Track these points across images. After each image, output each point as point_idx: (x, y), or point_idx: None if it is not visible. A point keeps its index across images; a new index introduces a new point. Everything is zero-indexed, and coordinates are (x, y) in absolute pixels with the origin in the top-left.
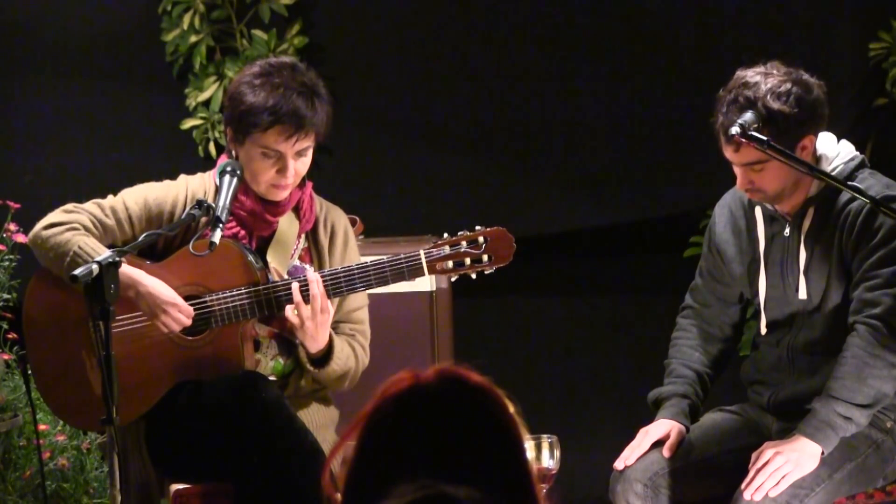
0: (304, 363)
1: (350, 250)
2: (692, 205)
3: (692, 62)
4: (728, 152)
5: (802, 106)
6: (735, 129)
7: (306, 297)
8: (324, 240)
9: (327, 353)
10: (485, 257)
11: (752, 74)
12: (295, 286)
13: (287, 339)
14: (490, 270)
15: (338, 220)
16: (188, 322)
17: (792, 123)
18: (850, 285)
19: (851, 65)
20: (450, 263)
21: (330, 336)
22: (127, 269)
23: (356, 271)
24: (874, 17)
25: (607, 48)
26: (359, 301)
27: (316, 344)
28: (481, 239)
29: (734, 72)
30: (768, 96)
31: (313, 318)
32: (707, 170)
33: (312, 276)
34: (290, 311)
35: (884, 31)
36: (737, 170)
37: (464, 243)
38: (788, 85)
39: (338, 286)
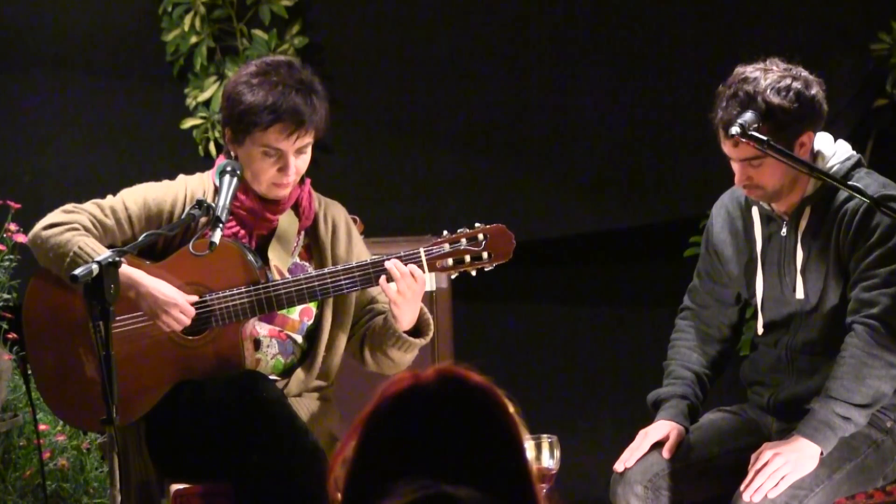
0: (401, 335)
1: (355, 242)
2: (692, 211)
3: (692, 66)
4: (727, 147)
5: (802, 102)
6: (735, 129)
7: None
8: (325, 236)
9: (420, 324)
10: (484, 254)
11: (751, 70)
12: (393, 261)
13: (289, 338)
14: (490, 268)
15: (338, 214)
16: (188, 321)
17: (791, 119)
18: (848, 285)
19: (852, 66)
20: (449, 261)
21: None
22: (127, 270)
23: (356, 269)
24: (874, 18)
25: (608, 52)
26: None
27: (412, 316)
28: (481, 236)
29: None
30: (768, 91)
31: (412, 289)
32: (707, 175)
33: (392, 262)
34: (385, 284)
35: (884, 32)
36: (735, 165)
37: (463, 241)
38: (788, 80)
39: (338, 285)
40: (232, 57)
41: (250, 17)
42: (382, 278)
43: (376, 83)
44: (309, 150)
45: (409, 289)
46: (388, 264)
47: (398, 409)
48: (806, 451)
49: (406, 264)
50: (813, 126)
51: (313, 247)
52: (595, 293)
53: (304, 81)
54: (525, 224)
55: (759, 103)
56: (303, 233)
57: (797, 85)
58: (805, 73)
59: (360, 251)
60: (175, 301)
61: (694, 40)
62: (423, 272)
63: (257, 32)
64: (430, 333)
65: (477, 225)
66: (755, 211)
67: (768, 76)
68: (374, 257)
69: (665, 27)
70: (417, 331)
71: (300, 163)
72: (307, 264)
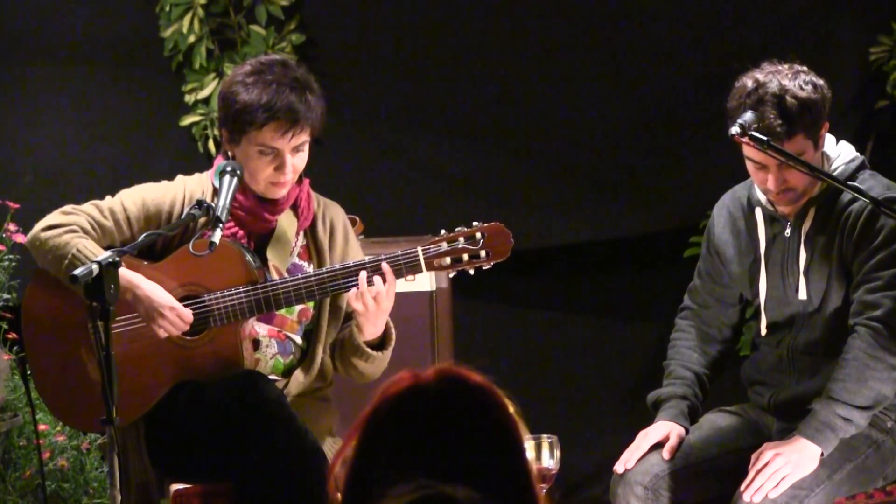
0: (362, 346)
1: (351, 245)
2: (694, 218)
3: (694, 70)
4: (760, 155)
5: (820, 90)
6: (735, 129)
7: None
8: (323, 237)
9: (384, 337)
10: (482, 253)
11: (759, 76)
12: (363, 274)
13: (288, 339)
14: (488, 266)
15: (336, 216)
16: (185, 327)
17: (820, 108)
18: (851, 287)
19: (853, 68)
20: (447, 260)
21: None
22: (125, 273)
23: (353, 269)
24: (875, 20)
25: (609, 56)
26: None
27: (376, 330)
28: (479, 235)
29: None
30: (794, 88)
31: (379, 303)
32: (709, 182)
33: (386, 266)
34: (353, 296)
35: (884, 34)
36: (771, 173)
37: (461, 239)
38: (802, 75)
39: (335, 284)
40: (230, 54)
41: (247, 11)
42: (352, 291)
43: (376, 81)
44: (306, 148)
45: (371, 305)
46: (361, 275)
47: (398, 409)
48: (806, 451)
49: (384, 277)
50: (828, 115)
51: (312, 247)
52: (595, 293)
53: (299, 79)
54: (526, 229)
55: (789, 101)
56: (302, 233)
57: (810, 77)
58: (802, 66)
59: (354, 254)
60: (172, 306)
61: (695, 45)
62: (421, 273)
63: (255, 29)
64: (391, 347)
65: (475, 223)
66: (759, 212)
67: (781, 75)
68: (370, 257)
69: (665, 32)
70: (381, 344)
71: (297, 161)
72: (306, 264)
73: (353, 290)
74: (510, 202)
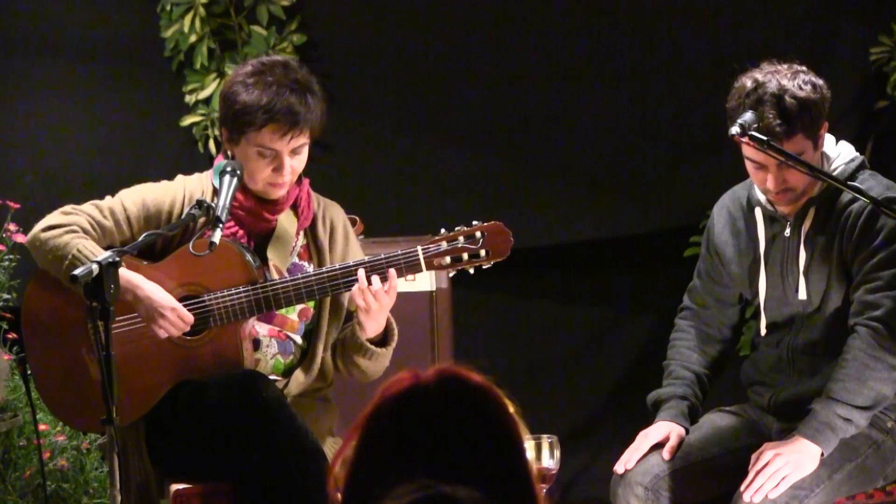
0: (364, 343)
1: (351, 245)
2: (695, 217)
3: (694, 69)
4: (760, 155)
5: (819, 90)
6: (735, 129)
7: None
8: (323, 237)
9: (386, 334)
10: (482, 252)
11: (759, 75)
12: (361, 272)
13: (288, 338)
14: (488, 265)
15: (336, 215)
16: (186, 327)
17: (820, 108)
18: (851, 287)
19: (853, 68)
20: (447, 259)
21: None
22: (126, 273)
23: (354, 269)
24: (875, 20)
25: (611, 56)
26: None
27: (377, 326)
28: (478, 234)
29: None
30: (793, 87)
31: (380, 300)
32: (710, 182)
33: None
34: (356, 293)
35: (884, 34)
36: (770, 173)
37: (461, 239)
38: (801, 75)
39: (335, 284)
40: (231, 54)
41: (248, 12)
42: (355, 287)
43: (377, 81)
44: (305, 150)
45: (372, 303)
46: (360, 272)
47: (398, 409)
48: (806, 451)
49: (385, 276)
50: (827, 115)
51: (312, 247)
52: (595, 293)
53: (300, 81)
54: (526, 228)
55: (789, 101)
56: (302, 233)
57: (809, 76)
58: (801, 66)
59: (354, 254)
60: (173, 306)
61: (695, 45)
62: (421, 273)
63: (256, 29)
64: (393, 343)
65: (475, 223)
66: (758, 212)
67: (780, 75)
68: (370, 257)
69: (666, 32)
70: (384, 340)
71: (296, 163)
72: (306, 264)
73: (356, 287)
74: (510, 202)
